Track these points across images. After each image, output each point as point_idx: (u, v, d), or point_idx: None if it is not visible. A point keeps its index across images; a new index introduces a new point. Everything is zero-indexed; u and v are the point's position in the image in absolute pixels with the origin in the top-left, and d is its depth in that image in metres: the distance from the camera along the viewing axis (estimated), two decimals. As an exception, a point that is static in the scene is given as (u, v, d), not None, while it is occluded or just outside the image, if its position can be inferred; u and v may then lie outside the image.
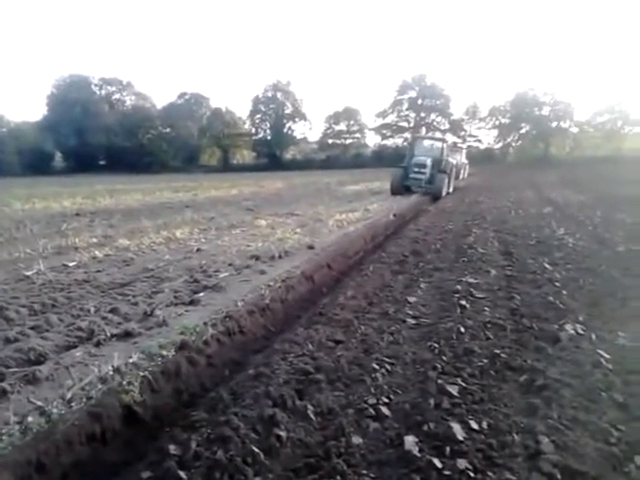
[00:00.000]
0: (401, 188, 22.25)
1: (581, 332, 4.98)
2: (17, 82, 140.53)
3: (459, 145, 44.53)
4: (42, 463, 2.97)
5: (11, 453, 2.96)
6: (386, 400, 3.73)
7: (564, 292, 6.40)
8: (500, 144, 75.12)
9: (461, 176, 33.00)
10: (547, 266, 7.82)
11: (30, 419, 3.30)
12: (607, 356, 4.37)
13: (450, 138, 67.84)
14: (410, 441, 3.16)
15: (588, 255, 8.58)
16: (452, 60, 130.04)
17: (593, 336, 4.88)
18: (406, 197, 20.58)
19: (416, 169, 22.04)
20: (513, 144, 74.90)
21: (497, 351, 4.57)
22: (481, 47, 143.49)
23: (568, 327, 5.07)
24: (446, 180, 22.51)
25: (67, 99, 67.79)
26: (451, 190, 24.33)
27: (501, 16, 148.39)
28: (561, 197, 19.46)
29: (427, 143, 25.49)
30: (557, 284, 6.78)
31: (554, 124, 70.22)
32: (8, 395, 3.66)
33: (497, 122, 74.30)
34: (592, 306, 5.87)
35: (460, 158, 34.12)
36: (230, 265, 7.89)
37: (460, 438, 3.17)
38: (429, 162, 22.10)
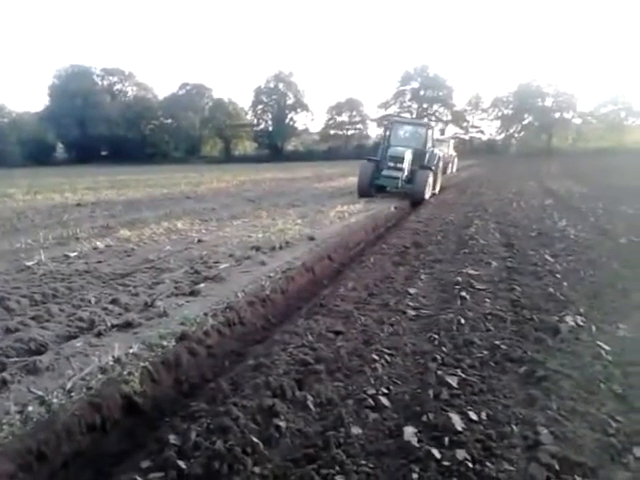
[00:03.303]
0: (370, 188, 17.41)
1: (581, 324, 4.98)
2: (18, 72, 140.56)
3: (447, 136, 39.94)
4: (43, 452, 2.99)
5: (12, 442, 2.97)
6: (385, 391, 3.73)
7: (565, 284, 6.39)
8: (502, 135, 75.19)
9: (449, 171, 28.94)
10: (548, 258, 7.80)
11: (30, 408, 3.32)
12: (607, 347, 4.36)
13: (447, 128, 67.26)
14: (409, 432, 3.16)
15: (589, 247, 8.57)
16: (455, 51, 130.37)
17: (593, 328, 4.87)
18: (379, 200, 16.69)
19: (391, 163, 16.93)
20: (516, 135, 74.84)
21: (497, 342, 4.56)
22: (484, 38, 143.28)
23: (568, 319, 5.06)
24: (430, 179, 17.34)
25: (68, 89, 67.76)
26: (437, 190, 19.27)
27: (504, 6, 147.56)
28: (563, 189, 19.44)
29: (407, 129, 19.31)
30: (558, 276, 6.77)
31: (557, 115, 70.19)
32: (9, 385, 3.66)
33: (500, 113, 74.37)
34: (593, 298, 5.87)
35: (448, 150, 29.97)
36: (230, 256, 7.89)
37: (459, 429, 3.17)
38: (409, 155, 17.09)
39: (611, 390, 3.68)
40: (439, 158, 19.03)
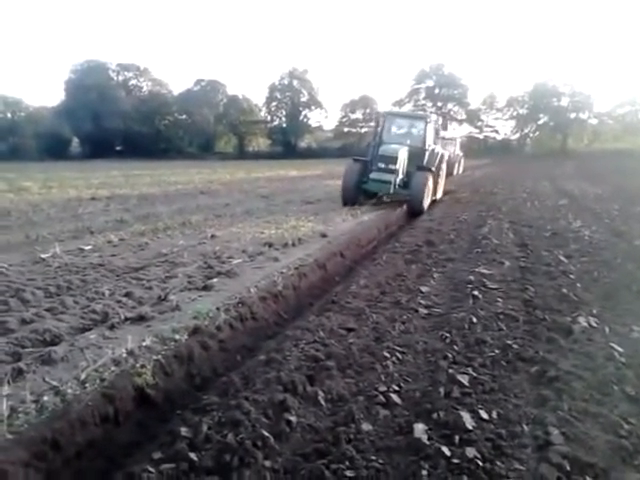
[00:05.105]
0: (357, 194, 14.50)
1: (594, 325, 4.95)
2: (35, 67, 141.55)
3: (455, 134, 35.00)
4: (57, 441, 3.02)
5: (27, 430, 3.02)
6: (396, 388, 3.74)
7: (578, 284, 6.35)
8: (517, 135, 74.52)
9: (455, 172, 26.10)
10: (562, 258, 7.75)
11: (46, 398, 3.37)
12: (620, 349, 4.33)
13: (462, 127, 66.30)
14: (419, 429, 3.17)
15: (604, 248, 8.50)
16: (470, 49, 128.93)
17: (606, 329, 4.84)
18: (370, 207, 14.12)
19: (382, 164, 14.04)
20: (530, 135, 74.18)
21: (509, 342, 4.55)
22: (500, 36, 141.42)
23: (581, 319, 5.03)
24: (429, 182, 14.29)
25: (84, 84, 67.90)
26: (439, 196, 16.41)
27: (521, 5, 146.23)
28: (578, 189, 19.25)
29: (402, 123, 16.03)
30: (572, 276, 6.73)
31: (573, 115, 69.38)
32: (24, 374, 3.72)
33: (515, 112, 73.63)
34: (606, 299, 5.82)
35: (454, 149, 27.12)
36: (243, 252, 7.92)
37: (469, 427, 3.17)
38: (403, 153, 14.22)
39: (624, 392, 3.66)
40: (441, 158, 16.19)
